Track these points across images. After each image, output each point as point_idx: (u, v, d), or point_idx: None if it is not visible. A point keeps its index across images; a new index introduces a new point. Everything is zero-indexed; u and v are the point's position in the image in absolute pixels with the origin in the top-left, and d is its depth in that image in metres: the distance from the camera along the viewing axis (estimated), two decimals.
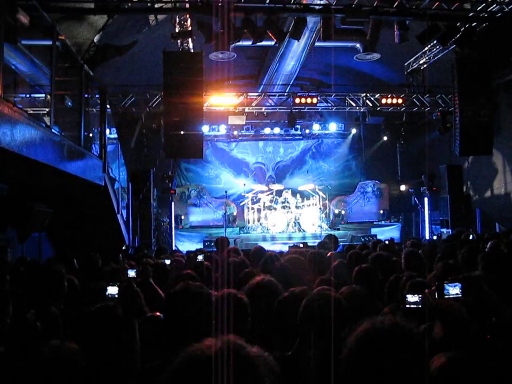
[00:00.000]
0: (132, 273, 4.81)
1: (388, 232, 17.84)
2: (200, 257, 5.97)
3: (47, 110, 11.53)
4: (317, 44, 14.19)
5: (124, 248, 9.00)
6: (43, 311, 3.40)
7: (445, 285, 2.99)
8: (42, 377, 2.07)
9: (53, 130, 7.51)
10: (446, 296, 2.95)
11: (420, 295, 2.82)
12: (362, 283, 4.19)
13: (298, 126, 20.69)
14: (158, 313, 3.22)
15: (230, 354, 1.39)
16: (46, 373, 2.06)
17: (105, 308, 2.79)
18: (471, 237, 7.75)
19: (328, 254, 6.17)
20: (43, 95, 13.30)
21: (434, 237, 15.95)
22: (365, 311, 2.97)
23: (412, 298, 2.88)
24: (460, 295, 2.97)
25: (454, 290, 2.98)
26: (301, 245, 9.42)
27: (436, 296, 2.92)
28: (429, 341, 2.39)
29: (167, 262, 5.92)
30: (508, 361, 2.57)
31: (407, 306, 2.88)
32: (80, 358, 2.16)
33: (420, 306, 2.83)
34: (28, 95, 14.16)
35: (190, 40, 12.67)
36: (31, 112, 12.41)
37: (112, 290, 2.94)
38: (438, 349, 2.16)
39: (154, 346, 2.99)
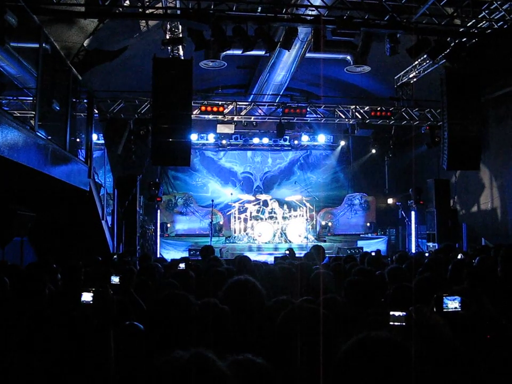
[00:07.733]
0: (115, 279, 4.69)
1: (374, 245, 17.78)
2: (182, 265, 5.86)
3: (34, 113, 11.44)
4: (307, 55, 14.23)
5: (109, 255, 8.87)
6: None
7: (443, 298, 2.87)
8: None
9: (37, 133, 7.41)
10: (445, 310, 2.83)
11: (405, 313, 2.68)
12: (351, 296, 4.14)
13: (287, 137, 20.72)
14: (136, 323, 3.13)
15: (198, 367, 1.31)
16: None
17: (77, 316, 2.70)
18: (459, 256, 7.65)
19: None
20: (31, 98, 13.17)
21: (426, 254, 15.91)
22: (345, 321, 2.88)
23: (396, 314, 2.73)
24: (459, 309, 2.85)
25: (453, 304, 2.86)
26: (287, 252, 9.33)
27: (434, 310, 2.80)
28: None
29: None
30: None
31: (391, 323, 2.72)
32: (39, 371, 2.05)
33: (404, 324, 2.68)
34: (15, 98, 14.02)
35: (180, 47, 12.61)
36: (18, 115, 12.31)
37: (87, 296, 2.84)
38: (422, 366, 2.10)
39: (132, 355, 2.90)
